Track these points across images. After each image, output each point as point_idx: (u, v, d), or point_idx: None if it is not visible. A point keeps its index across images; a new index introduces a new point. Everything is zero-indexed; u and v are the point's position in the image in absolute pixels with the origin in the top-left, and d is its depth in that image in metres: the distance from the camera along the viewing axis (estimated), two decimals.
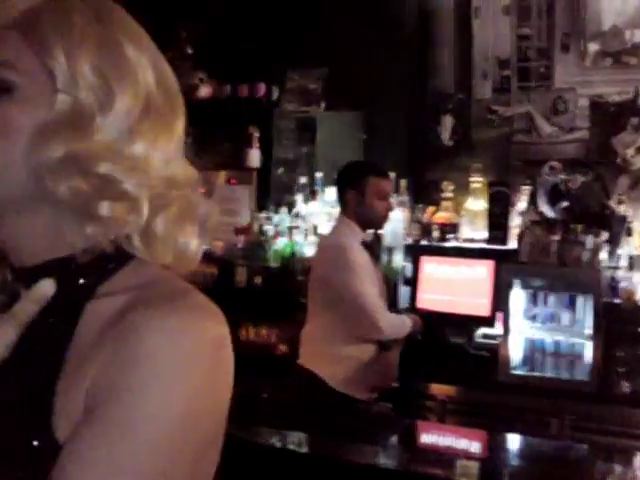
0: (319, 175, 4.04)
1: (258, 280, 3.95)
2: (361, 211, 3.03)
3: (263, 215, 4.09)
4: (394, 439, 2.53)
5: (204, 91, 4.35)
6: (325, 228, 3.86)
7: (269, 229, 4.03)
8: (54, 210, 0.74)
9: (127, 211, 0.72)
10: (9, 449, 0.68)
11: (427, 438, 2.70)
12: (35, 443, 0.68)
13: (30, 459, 0.68)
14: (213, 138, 4.34)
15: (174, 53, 4.43)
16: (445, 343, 3.52)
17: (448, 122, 4.09)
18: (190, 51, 4.47)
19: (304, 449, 2.44)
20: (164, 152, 0.76)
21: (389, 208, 3.09)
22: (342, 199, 3.13)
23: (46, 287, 0.73)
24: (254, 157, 4.18)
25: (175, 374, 0.66)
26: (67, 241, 0.74)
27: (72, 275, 0.75)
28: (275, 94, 4.26)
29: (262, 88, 4.23)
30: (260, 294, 3.94)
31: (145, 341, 0.66)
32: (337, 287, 2.95)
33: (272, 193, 4.20)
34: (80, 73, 0.71)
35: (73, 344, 0.72)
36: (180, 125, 0.79)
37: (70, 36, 0.72)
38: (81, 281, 0.75)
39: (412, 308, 3.61)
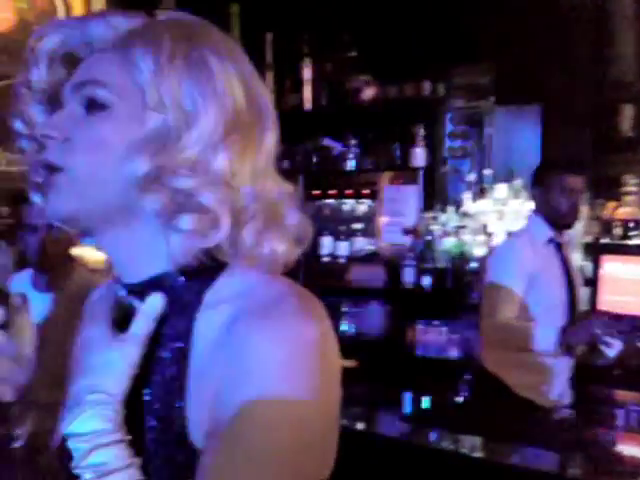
0: (488, 172, 3.93)
1: (426, 280, 3.91)
2: (546, 208, 2.93)
3: (430, 215, 4.04)
4: (577, 447, 2.41)
5: (369, 93, 4.36)
6: (495, 227, 3.75)
7: (436, 229, 3.97)
8: (147, 224, 0.77)
9: (207, 225, 0.75)
10: (157, 465, 0.74)
11: (611, 447, 2.54)
12: (179, 458, 0.73)
13: (177, 473, 0.73)
14: (378, 139, 4.36)
15: (338, 57, 4.50)
16: (630, 347, 3.30)
17: (629, 112, 3.83)
18: (354, 54, 4.50)
19: (480, 454, 2.39)
20: (252, 166, 0.77)
21: (576, 204, 2.92)
22: (532, 197, 3.07)
23: (157, 302, 0.78)
24: (420, 156, 4.13)
25: (283, 384, 0.69)
26: (164, 255, 0.77)
27: (177, 288, 0.78)
28: (441, 91, 4.20)
29: (428, 86, 4.18)
30: (429, 295, 3.91)
31: (251, 355, 0.69)
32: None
33: (439, 192, 4.14)
34: (169, 92, 0.74)
35: (192, 358, 0.75)
36: (270, 139, 0.80)
37: (160, 56, 0.75)
38: (187, 293, 0.78)
39: (592, 310, 3.42)
